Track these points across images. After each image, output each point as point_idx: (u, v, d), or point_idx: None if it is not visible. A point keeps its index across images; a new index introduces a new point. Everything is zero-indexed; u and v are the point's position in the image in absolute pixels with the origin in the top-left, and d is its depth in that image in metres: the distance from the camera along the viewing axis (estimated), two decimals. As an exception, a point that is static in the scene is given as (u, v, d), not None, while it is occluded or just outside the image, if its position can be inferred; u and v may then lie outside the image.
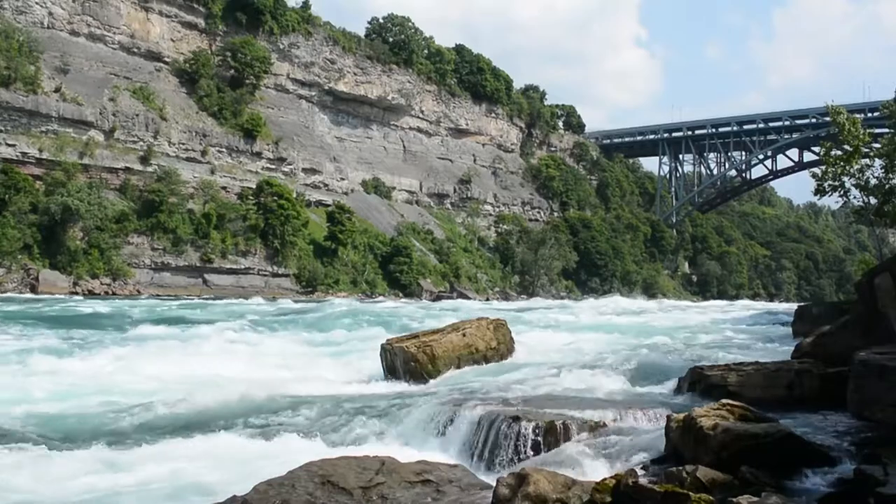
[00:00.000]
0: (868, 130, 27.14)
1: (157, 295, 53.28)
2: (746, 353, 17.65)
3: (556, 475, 6.49)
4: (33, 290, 48.52)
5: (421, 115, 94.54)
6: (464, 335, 16.50)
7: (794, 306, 34.02)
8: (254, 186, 68.17)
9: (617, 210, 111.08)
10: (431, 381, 14.97)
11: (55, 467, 9.23)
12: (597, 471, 7.62)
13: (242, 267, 63.97)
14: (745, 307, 56.00)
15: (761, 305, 65.57)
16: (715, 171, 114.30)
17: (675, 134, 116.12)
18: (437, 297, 70.92)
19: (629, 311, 40.27)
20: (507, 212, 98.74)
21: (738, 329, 28.36)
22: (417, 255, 77.86)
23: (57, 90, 57.77)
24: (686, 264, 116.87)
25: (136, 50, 67.67)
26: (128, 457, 9.86)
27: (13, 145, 53.90)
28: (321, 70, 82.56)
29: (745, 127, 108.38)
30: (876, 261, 25.75)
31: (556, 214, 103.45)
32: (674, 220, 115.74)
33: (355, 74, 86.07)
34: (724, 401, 8.15)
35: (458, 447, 9.66)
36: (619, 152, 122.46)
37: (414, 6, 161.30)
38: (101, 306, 34.59)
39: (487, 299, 73.51)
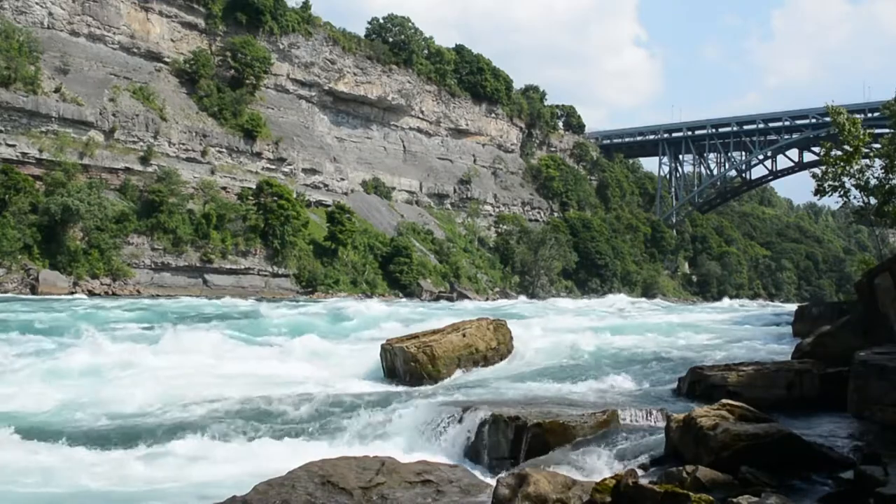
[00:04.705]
0: (868, 130, 27.13)
1: (157, 295, 53.28)
2: (746, 353, 17.66)
3: (556, 475, 6.49)
4: (33, 290, 48.50)
5: (421, 116, 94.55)
6: (464, 335, 16.50)
7: (794, 306, 34.06)
8: (254, 186, 68.15)
9: (617, 210, 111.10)
10: (432, 382, 14.97)
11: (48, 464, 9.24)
12: (597, 471, 7.62)
13: (242, 267, 63.96)
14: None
15: (753, 303, 65.52)
16: (715, 172, 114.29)
17: (675, 134, 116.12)
18: (437, 298, 70.91)
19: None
20: (507, 212, 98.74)
21: (737, 329, 28.38)
22: (417, 256, 77.86)
23: (57, 90, 57.77)
24: (686, 264, 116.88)
25: (136, 50, 67.67)
26: (126, 456, 9.86)
27: (13, 145, 53.90)
28: (321, 70, 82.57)
29: (745, 127, 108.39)
30: (876, 261, 25.73)
31: (556, 214, 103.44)
32: (674, 221, 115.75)
33: (355, 75, 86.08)
34: (724, 401, 8.16)
35: (458, 447, 9.66)
36: (619, 152, 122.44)
37: (414, 6, 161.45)
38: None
39: (487, 299, 73.49)
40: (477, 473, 8.05)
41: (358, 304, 36.09)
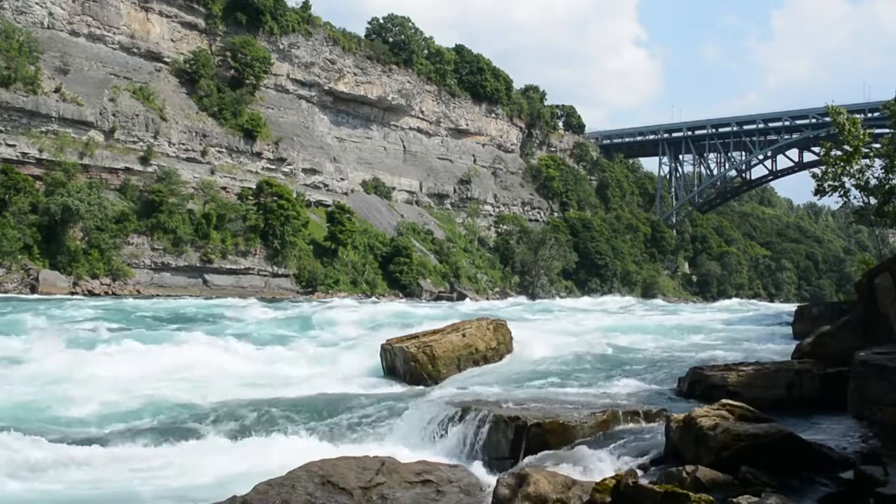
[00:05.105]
0: (868, 130, 27.11)
1: (157, 295, 53.28)
2: (746, 353, 17.65)
3: (556, 475, 6.49)
4: (33, 290, 48.52)
5: (421, 116, 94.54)
6: (464, 335, 16.50)
7: (794, 306, 34.06)
8: (254, 186, 68.15)
9: (617, 210, 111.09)
10: (431, 382, 14.96)
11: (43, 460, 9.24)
12: (597, 471, 7.61)
13: (242, 267, 63.95)
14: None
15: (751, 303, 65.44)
16: (715, 172, 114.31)
17: (675, 134, 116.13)
18: (437, 298, 70.90)
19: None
20: (507, 212, 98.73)
21: (737, 329, 28.38)
22: (417, 256, 77.85)
23: (57, 90, 57.76)
24: (686, 264, 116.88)
25: (136, 50, 67.67)
26: (126, 455, 9.85)
27: (13, 145, 53.90)
28: (321, 70, 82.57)
29: (745, 127, 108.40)
30: (876, 261, 25.72)
31: (556, 214, 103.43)
32: (674, 221, 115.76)
33: (355, 75, 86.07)
34: (724, 401, 8.15)
35: (457, 447, 9.65)
36: (619, 152, 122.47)
37: (414, 6, 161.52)
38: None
39: (487, 298, 73.51)
40: (477, 473, 8.04)
41: (327, 312, 32.93)
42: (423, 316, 32.54)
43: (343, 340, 21.97)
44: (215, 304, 40.51)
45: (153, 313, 32.35)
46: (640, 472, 7.09)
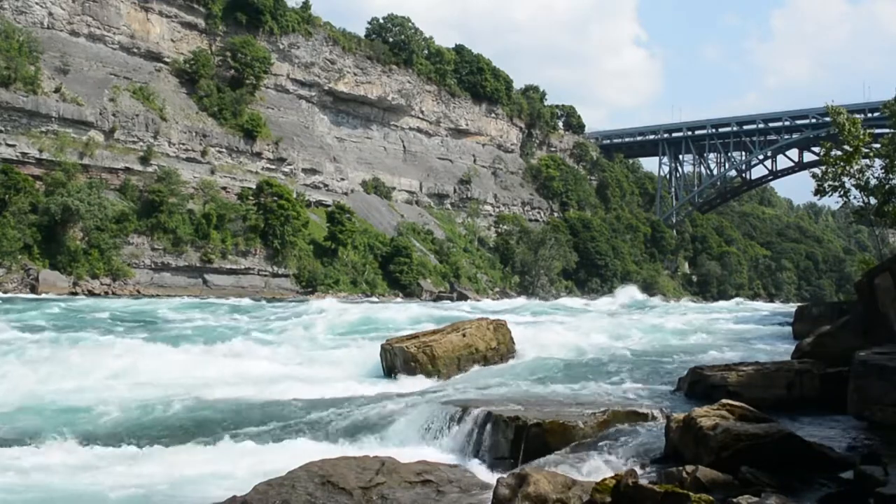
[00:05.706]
0: (868, 130, 27.15)
1: (157, 295, 53.26)
2: (746, 353, 17.66)
3: (555, 475, 6.48)
4: (33, 290, 48.52)
5: (421, 116, 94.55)
6: (464, 335, 16.50)
7: (794, 306, 34.07)
8: (254, 186, 68.16)
9: (617, 210, 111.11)
10: (431, 382, 14.97)
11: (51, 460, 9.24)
12: (597, 471, 7.61)
13: (242, 267, 63.96)
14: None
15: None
16: (715, 172, 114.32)
17: (675, 134, 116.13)
18: (437, 298, 70.89)
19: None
20: (507, 212, 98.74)
21: (737, 329, 28.40)
22: (417, 256, 77.84)
23: (57, 90, 57.76)
24: (686, 264, 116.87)
25: (136, 50, 67.67)
26: (126, 455, 9.86)
27: (13, 145, 53.91)
28: (321, 70, 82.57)
29: (745, 127, 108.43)
30: (876, 261, 25.72)
31: (556, 214, 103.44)
32: (674, 221, 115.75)
33: (355, 75, 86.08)
34: (724, 401, 8.15)
35: (457, 447, 9.65)
36: (620, 152, 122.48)
37: (414, 6, 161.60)
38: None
39: (488, 298, 73.41)
40: (477, 473, 8.04)
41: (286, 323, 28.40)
42: (388, 320, 28.51)
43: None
44: (201, 304, 40.07)
45: (111, 314, 30.45)
46: (640, 472, 7.08)
